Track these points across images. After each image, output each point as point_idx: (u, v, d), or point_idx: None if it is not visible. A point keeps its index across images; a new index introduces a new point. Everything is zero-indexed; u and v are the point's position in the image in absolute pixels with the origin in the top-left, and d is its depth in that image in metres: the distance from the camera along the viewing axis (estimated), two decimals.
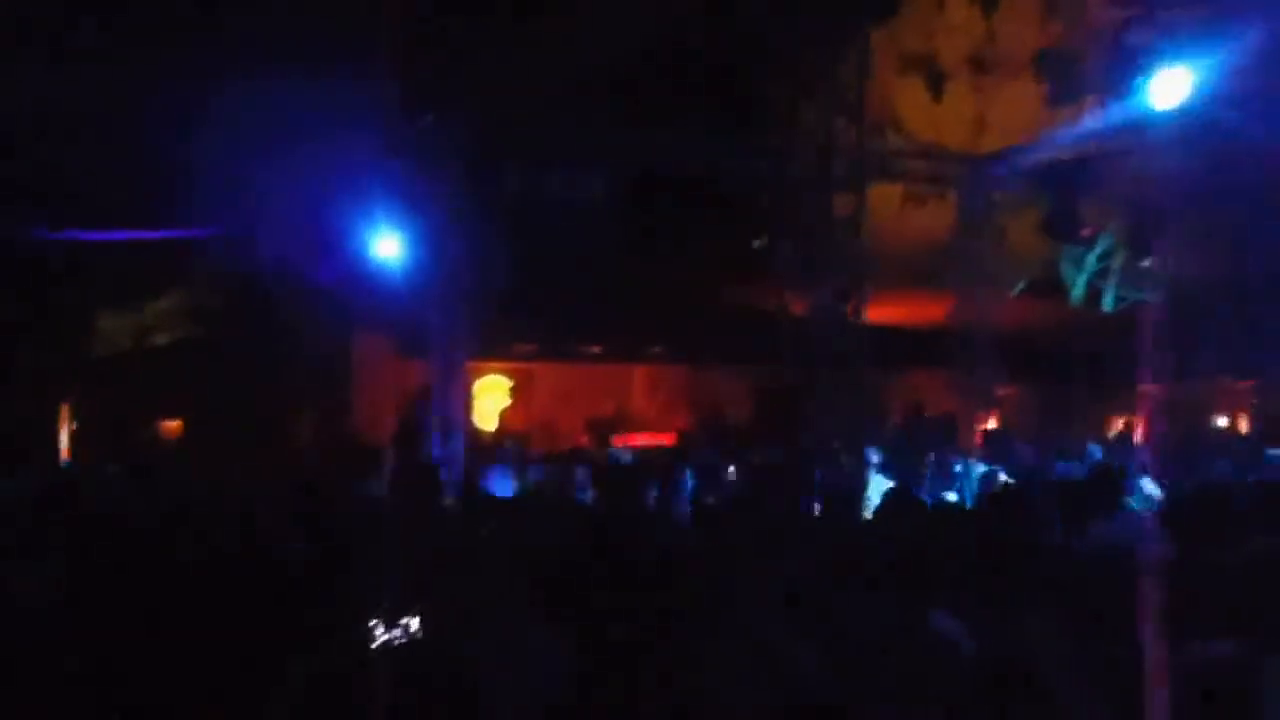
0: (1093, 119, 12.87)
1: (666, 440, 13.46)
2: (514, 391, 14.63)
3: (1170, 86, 8.99)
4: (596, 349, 14.54)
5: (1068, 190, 13.62)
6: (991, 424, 14.55)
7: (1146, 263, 14.79)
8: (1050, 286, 16.90)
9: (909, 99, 16.68)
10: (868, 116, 14.47)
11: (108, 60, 11.41)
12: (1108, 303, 18.38)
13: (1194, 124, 12.05)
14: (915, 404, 12.19)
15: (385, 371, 12.74)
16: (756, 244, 11.65)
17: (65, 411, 13.38)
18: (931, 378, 14.20)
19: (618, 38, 9.18)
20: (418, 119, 10.18)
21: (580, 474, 7.40)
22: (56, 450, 13.11)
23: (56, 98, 11.66)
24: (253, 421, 11.96)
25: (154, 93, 11.00)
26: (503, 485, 7.55)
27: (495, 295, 11.68)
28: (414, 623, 3.34)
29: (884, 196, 15.17)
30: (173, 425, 14.02)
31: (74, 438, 13.07)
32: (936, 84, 16.63)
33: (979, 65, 16.14)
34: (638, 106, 10.51)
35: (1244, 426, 15.86)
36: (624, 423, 14.03)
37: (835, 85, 7.45)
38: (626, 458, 9.43)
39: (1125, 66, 12.54)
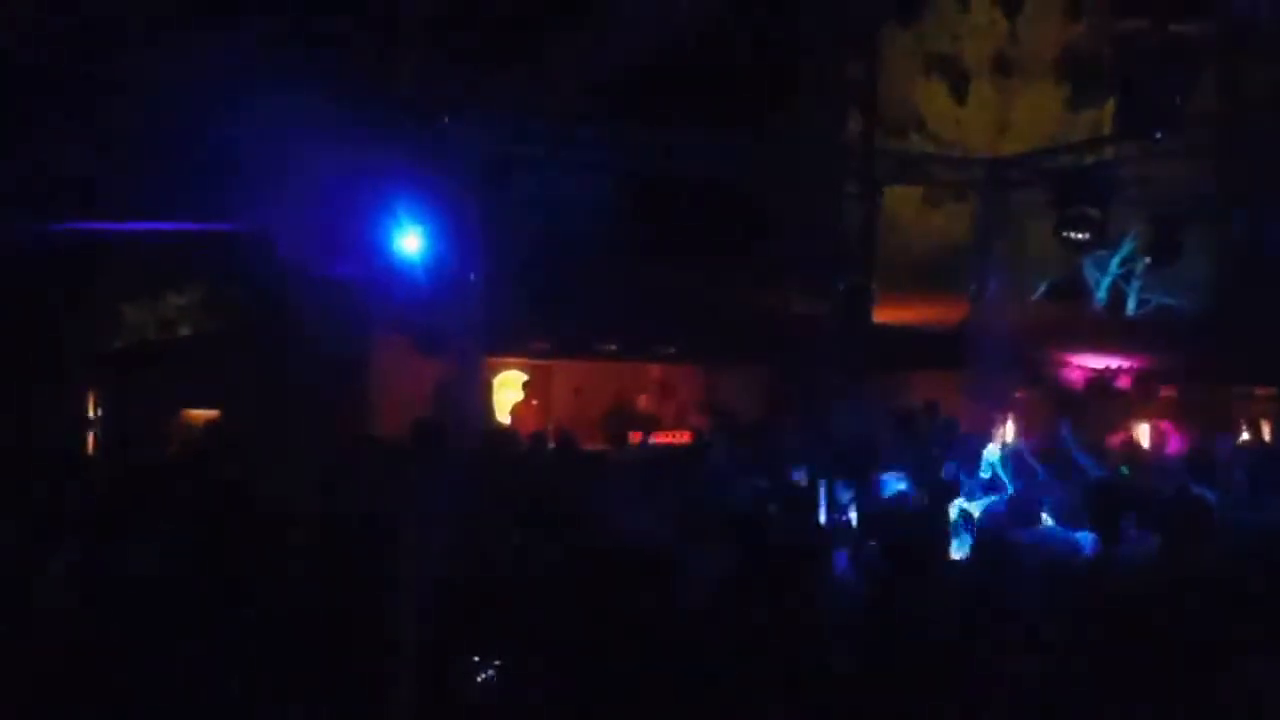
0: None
1: (683, 439, 13.49)
2: (527, 387, 14.72)
3: None
4: (612, 347, 14.61)
5: (1089, 194, 13.53)
6: (1009, 427, 14.52)
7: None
8: (1071, 290, 16.88)
9: (932, 101, 16.65)
10: (891, 119, 14.53)
11: (135, 55, 11.57)
12: (1131, 306, 18.31)
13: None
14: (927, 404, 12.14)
15: (404, 369, 12.84)
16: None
17: (91, 400, 13.54)
18: (946, 380, 14.16)
19: (635, 40, 9.24)
20: (434, 119, 10.26)
21: None
22: (84, 439, 13.29)
23: (83, 92, 11.84)
24: (274, 417, 12.08)
25: (180, 88, 11.15)
26: None
27: (512, 292, 11.76)
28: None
29: (903, 198, 15.19)
30: (197, 415, 14.15)
31: (99, 426, 13.25)
32: (960, 86, 16.60)
33: (1002, 67, 16.09)
34: (654, 107, 10.56)
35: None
36: (639, 421, 14.07)
37: (849, 86, 7.46)
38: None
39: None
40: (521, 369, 14.83)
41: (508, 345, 13.43)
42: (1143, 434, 16.29)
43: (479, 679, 3.93)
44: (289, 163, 10.59)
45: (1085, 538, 5.37)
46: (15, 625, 4.34)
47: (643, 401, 14.86)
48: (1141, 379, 16.59)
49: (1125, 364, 15.67)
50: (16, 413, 11.47)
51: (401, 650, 3.93)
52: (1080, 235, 13.16)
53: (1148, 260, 16.46)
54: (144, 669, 3.89)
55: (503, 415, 14.50)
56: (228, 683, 3.84)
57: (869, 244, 8.10)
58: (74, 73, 11.71)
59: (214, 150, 10.93)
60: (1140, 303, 18.44)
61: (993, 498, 7.01)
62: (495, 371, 14.09)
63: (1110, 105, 14.20)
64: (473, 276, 11.24)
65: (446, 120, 10.27)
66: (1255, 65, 13.87)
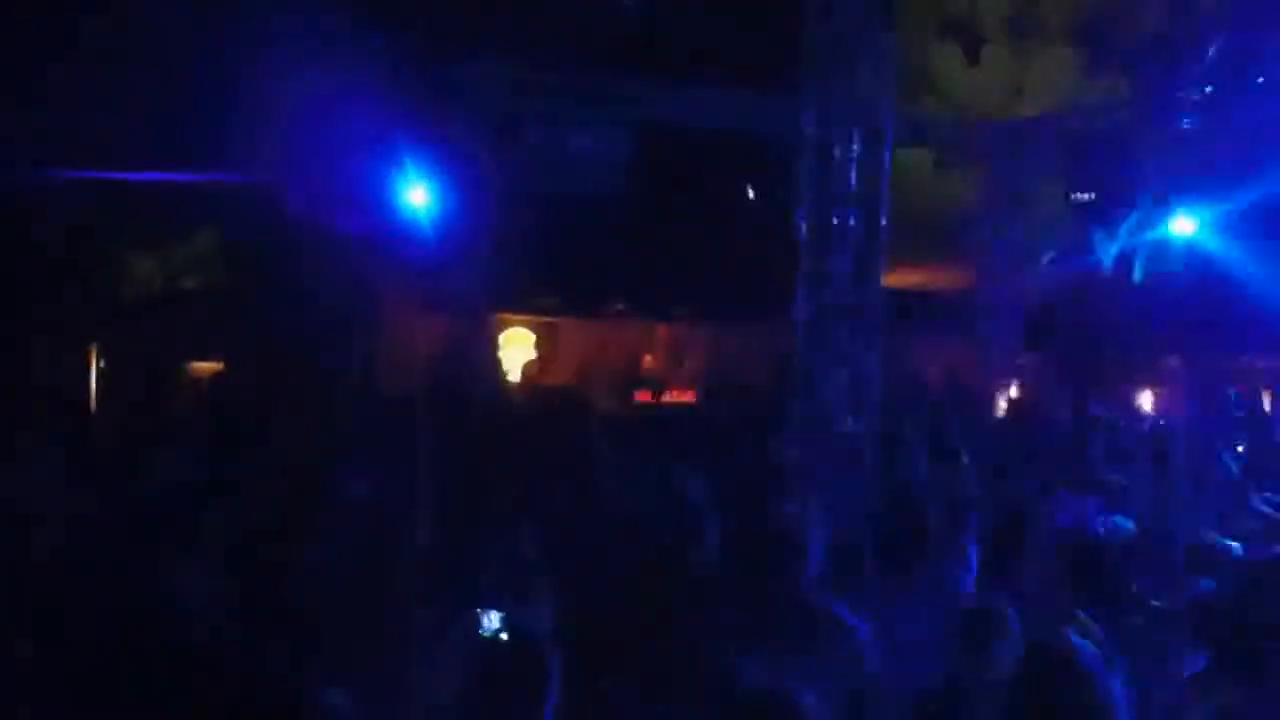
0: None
1: (688, 399, 13.53)
2: (536, 345, 14.73)
3: None
4: (620, 306, 14.60)
5: (1101, 160, 13.48)
6: (1013, 393, 14.53)
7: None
8: (1081, 257, 16.82)
9: (946, 63, 16.53)
10: (903, 80, 14.40)
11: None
12: (1138, 274, 18.24)
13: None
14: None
15: (411, 324, 12.83)
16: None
17: (93, 352, 13.54)
18: (955, 346, 14.19)
19: None
20: (444, 70, 10.19)
21: None
22: (86, 391, 13.30)
23: (88, 36, 11.75)
24: (281, 370, 12.08)
25: (186, 33, 11.07)
26: None
27: (520, 248, 11.74)
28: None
29: (914, 161, 15.10)
30: (203, 367, 14.17)
31: (102, 378, 13.25)
32: (974, 48, 16.47)
33: (1018, 31, 15.98)
34: (664, 62, 10.49)
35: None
36: (646, 380, 14.10)
37: (862, 45, 7.40)
38: None
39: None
40: (529, 327, 14.83)
41: (516, 303, 13.42)
42: (1146, 401, 16.30)
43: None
44: (298, 114, 10.54)
45: None
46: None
47: (647, 362, 14.87)
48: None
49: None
50: (19, 365, 11.49)
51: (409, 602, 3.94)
52: (1090, 200, 13.16)
53: (1156, 227, 16.41)
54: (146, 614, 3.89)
55: (510, 373, 14.51)
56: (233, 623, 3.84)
57: (878, 207, 8.04)
58: (80, 17, 11.61)
59: (222, 100, 10.86)
60: (1147, 270, 18.36)
61: None
62: (502, 329, 14.09)
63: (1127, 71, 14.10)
64: (481, 232, 11.21)
65: (456, 71, 10.20)
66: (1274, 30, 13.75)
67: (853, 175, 7.96)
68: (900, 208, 12.77)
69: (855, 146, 7.81)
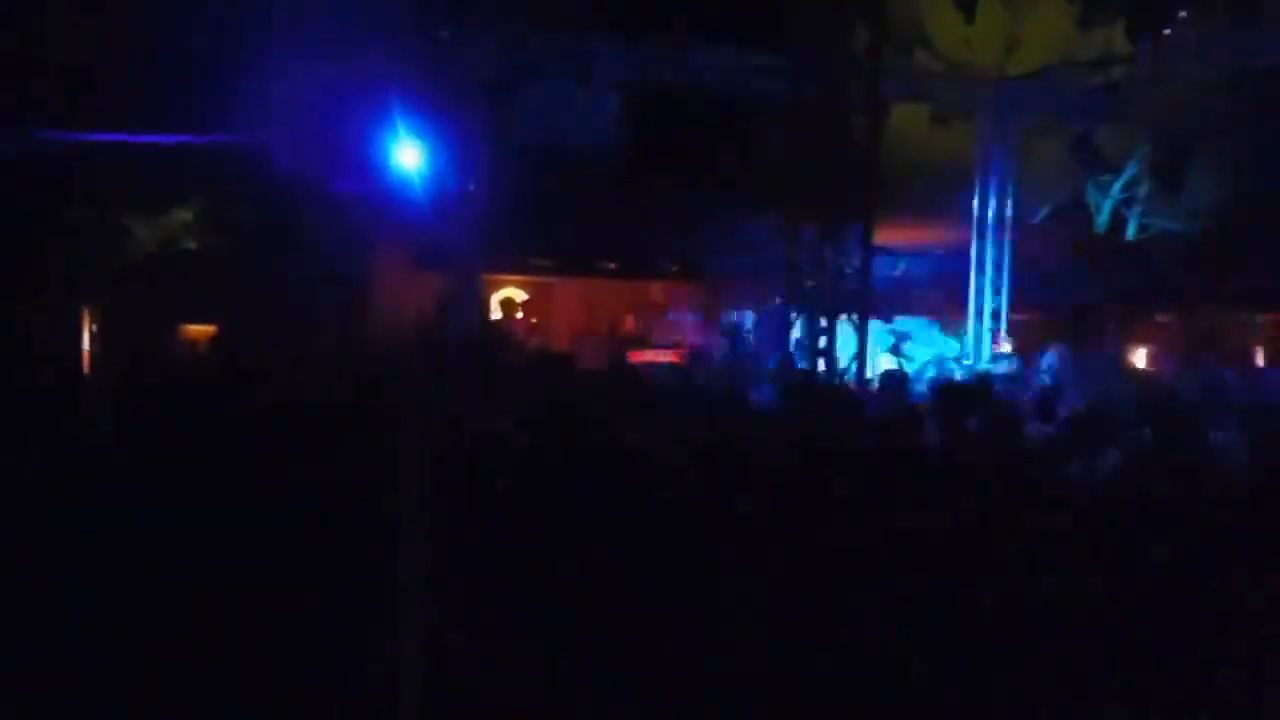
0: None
1: (678, 357, 13.52)
2: (526, 305, 14.71)
3: None
4: (612, 265, 14.56)
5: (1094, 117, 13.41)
6: (1007, 348, 14.53)
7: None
8: (1073, 213, 16.81)
9: (940, 18, 16.42)
10: (898, 35, 14.36)
11: None
12: (1131, 231, 18.23)
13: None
14: None
15: (403, 284, 12.81)
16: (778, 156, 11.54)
17: (86, 314, 13.50)
18: (950, 301, 14.20)
19: None
20: (435, 32, 10.11)
21: None
22: (78, 352, 13.26)
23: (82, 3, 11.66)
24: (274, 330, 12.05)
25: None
26: None
27: (513, 210, 11.69)
28: None
29: (909, 117, 15.04)
30: (195, 330, 14.11)
31: (94, 340, 13.21)
32: (968, 3, 16.38)
33: None
34: (655, 22, 10.39)
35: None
36: (629, 341, 14.09)
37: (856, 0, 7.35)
38: None
39: None
40: (522, 286, 14.80)
41: (509, 262, 13.39)
42: (1139, 357, 16.36)
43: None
44: (290, 76, 10.46)
45: None
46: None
47: (628, 323, 14.84)
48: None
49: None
50: (12, 328, 11.44)
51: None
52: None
53: (1150, 184, 16.39)
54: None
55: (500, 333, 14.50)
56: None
57: (872, 163, 8.03)
58: None
59: (216, 62, 10.79)
60: (1141, 227, 18.36)
61: None
62: (496, 288, 14.06)
63: (1121, 24, 14.01)
64: (472, 188, 11.15)
65: (446, 33, 10.12)
66: None
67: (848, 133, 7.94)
68: (896, 164, 12.82)
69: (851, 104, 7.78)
